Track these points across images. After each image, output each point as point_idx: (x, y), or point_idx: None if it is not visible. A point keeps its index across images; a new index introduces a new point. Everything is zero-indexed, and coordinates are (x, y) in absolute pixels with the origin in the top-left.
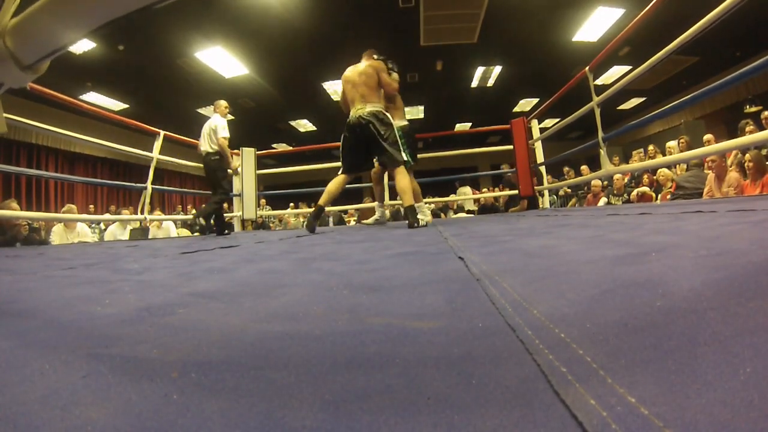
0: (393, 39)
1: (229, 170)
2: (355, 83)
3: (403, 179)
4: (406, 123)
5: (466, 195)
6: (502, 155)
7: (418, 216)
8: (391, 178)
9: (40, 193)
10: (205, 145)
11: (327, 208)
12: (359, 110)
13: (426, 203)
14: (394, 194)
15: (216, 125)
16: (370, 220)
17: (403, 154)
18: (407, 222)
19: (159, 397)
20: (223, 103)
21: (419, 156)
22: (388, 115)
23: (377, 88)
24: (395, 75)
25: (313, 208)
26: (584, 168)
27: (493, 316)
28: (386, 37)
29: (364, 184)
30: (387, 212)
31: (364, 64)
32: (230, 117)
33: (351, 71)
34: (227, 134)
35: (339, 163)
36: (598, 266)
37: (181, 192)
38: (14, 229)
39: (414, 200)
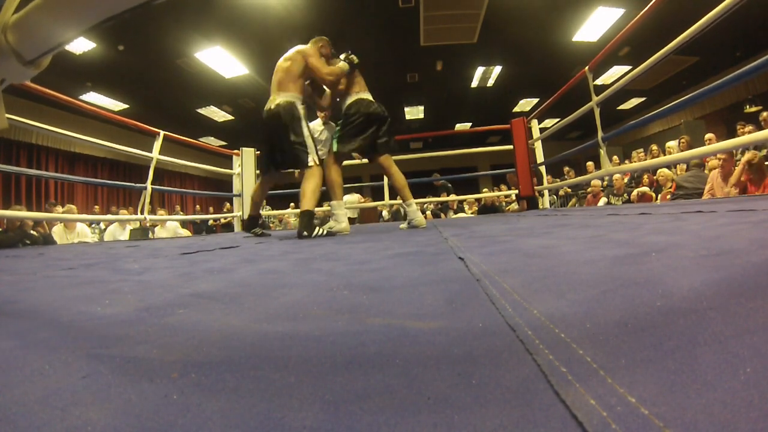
0: (393, 39)
1: None
2: (277, 70)
3: (310, 184)
4: (357, 98)
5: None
6: (502, 155)
7: (330, 223)
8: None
9: (40, 193)
10: None
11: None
12: (271, 101)
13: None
14: (394, 194)
15: None
16: (404, 225)
17: (311, 156)
18: (297, 231)
19: (159, 397)
20: None
21: (421, 161)
22: (300, 108)
23: (300, 76)
24: (341, 63)
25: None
26: (590, 164)
27: (493, 316)
28: (386, 37)
29: (362, 183)
30: (386, 213)
31: (293, 50)
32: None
33: (281, 59)
34: None
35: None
36: (598, 266)
37: (181, 192)
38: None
39: (336, 197)
